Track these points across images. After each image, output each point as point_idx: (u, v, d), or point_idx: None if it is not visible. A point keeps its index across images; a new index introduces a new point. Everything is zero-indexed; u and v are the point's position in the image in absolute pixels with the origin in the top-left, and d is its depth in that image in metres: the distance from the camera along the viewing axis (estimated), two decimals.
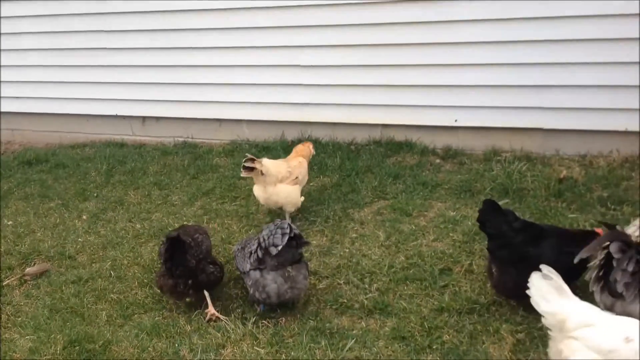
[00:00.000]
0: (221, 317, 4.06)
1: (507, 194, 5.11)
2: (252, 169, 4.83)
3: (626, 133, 5.50)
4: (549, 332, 3.16)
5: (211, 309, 4.11)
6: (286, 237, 3.76)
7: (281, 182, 4.95)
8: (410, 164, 5.98)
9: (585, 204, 4.82)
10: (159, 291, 4.42)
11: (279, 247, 3.77)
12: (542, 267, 3.15)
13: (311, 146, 5.42)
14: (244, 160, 4.82)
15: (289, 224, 3.85)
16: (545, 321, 3.16)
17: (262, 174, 4.87)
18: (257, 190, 5.02)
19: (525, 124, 5.87)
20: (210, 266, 4.16)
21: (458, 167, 5.85)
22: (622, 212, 4.66)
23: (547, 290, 3.11)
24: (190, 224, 5.01)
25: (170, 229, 5.07)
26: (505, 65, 5.76)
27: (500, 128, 5.99)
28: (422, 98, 6.19)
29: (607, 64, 5.44)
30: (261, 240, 3.88)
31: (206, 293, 4.16)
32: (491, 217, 3.79)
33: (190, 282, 4.09)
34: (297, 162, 5.14)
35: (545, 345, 3.51)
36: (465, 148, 6.15)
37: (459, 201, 5.16)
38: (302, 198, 5.25)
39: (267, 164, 4.94)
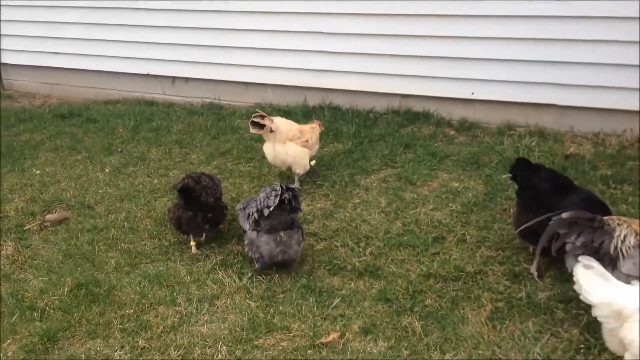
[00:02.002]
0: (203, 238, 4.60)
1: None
2: (262, 126, 4.99)
3: None
4: (603, 324, 3.13)
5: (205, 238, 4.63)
6: (278, 199, 3.92)
7: (291, 141, 5.10)
8: (425, 134, 6.06)
9: (588, 181, 4.85)
10: (166, 243, 4.68)
11: (271, 209, 3.94)
12: (581, 258, 3.23)
13: (318, 124, 5.45)
14: (253, 115, 5.00)
15: (283, 186, 3.99)
16: (598, 312, 3.09)
17: (271, 131, 5.03)
18: (266, 148, 5.20)
19: (541, 99, 5.87)
20: (225, 208, 4.68)
21: (471, 139, 5.91)
22: (622, 191, 4.68)
23: (593, 280, 3.09)
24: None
25: None
26: (524, 40, 5.75)
27: (517, 103, 6.00)
28: (440, 69, 6.23)
29: (627, 42, 5.37)
30: (258, 202, 4.06)
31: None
32: (522, 171, 4.01)
33: (210, 216, 4.49)
34: (309, 128, 5.29)
35: (521, 315, 3.64)
36: (480, 121, 6.19)
37: (464, 173, 5.24)
38: (313, 162, 5.40)
39: (278, 121, 5.11)
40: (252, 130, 5.06)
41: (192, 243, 4.58)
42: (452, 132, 6.09)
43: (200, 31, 7.43)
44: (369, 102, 6.74)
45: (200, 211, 4.49)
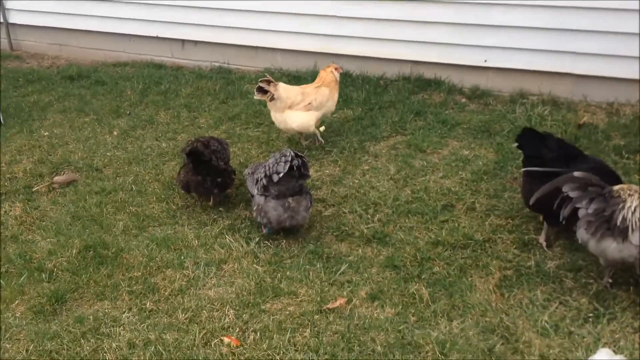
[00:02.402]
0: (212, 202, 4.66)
1: None
2: (265, 92, 4.99)
3: None
4: None
5: (213, 201, 4.66)
6: (287, 165, 3.89)
7: (290, 109, 5.07)
8: (436, 101, 6.00)
9: (600, 151, 4.79)
10: (174, 207, 4.69)
11: (281, 175, 3.91)
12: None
13: (333, 69, 5.25)
14: (259, 80, 5.00)
15: (293, 153, 3.96)
16: None
17: (271, 99, 5.03)
18: (272, 114, 5.20)
19: (555, 68, 5.79)
20: (233, 173, 4.65)
21: (482, 107, 5.84)
22: (635, 161, 4.62)
23: None
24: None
25: None
26: (538, 7, 5.65)
27: (530, 71, 5.92)
28: (452, 36, 6.14)
29: None
30: (266, 168, 4.03)
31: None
32: (529, 141, 3.95)
33: (219, 180, 4.49)
34: (313, 89, 5.18)
35: (530, 283, 3.63)
36: (493, 89, 6.11)
37: (475, 141, 5.19)
38: (322, 128, 5.36)
39: (280, 88, 5.07)
40: (256, 96, 5.08)
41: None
42: (463, 100, 6.02)
43: None
44: (380, 69, 6.65)
45: (208, 175, 4.49)
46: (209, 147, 4.54)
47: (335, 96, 5.23)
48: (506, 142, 5.03)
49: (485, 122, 5.43)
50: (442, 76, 6.34)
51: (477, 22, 5.98)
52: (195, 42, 7.76)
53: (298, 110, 5.08)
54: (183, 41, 7.86)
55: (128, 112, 6.40)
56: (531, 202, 3.58)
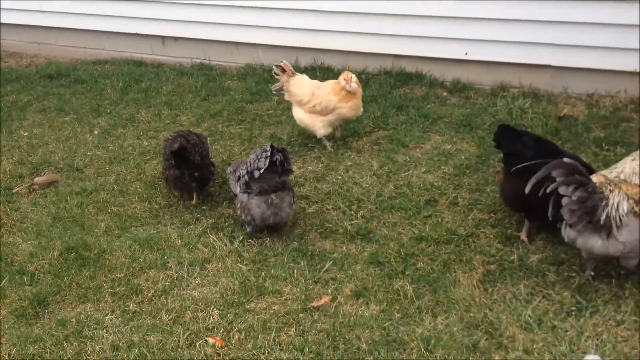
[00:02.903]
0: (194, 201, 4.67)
1: None
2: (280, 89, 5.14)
3: (635, 74, 5.41)
4: None
5: (195, 199, 4.67)
6: (268, 160, 3.87)
7: (299, 106, 5.07)
8: (417, 95, 6.00)
9: (581, 143, 4.83)
10: (157, 206, 4.66)
11: (261, 170, 3.89)
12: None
13: (342, 78, 4.87)
14: (274, 64, 5.14)
15: (274, 147, 3.94)
16: None
17: (281, 90, 5.13)
18: None
19: (535, 60, 5.81)
20: (211, 166, 4.68)
21: (464, 101, 5.85)
22: (615, 153, 4.66)
23: None
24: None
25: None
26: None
27: (511, 63, 5.93)
28: (433, 29, 6.14)
29: (625, 2, 5.29)
30: (248, 164, 4.01)
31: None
32: (506, 138, 3.98)
33: (196, 174, 4.50)
34: (325, 92, 4.97)
35: (513, 277, 3.65)
36: (474, 82, 6.13)
37: (457, 135, 5.20)
38: (328, 130, 5.20)
39: (292, 82, 5.07)
40: (274, 88, 5.23)
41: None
42: (444, 94, 6.03)
43: None
44: (362, 63, 6.64)
45: (186, 169, 4.48)
46: (189, 141, 4.53)
47: (351, 103, 4.93)
48: (488, 136, 5.03)
49: (466, 116, 5.44)
50: (423, 70, 6.34)
51: (457, 15, 5.98)
52: (176, 39, 7.70)
53: (305, 109, 5.04)
54: (163, 38, 7.79)
55: (108, 111, 6.34)
56: (527, 190, 3.50)
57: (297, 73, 5.14)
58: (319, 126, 5.05)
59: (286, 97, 5.19)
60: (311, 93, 5.01)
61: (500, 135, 4.04)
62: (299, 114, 5.11)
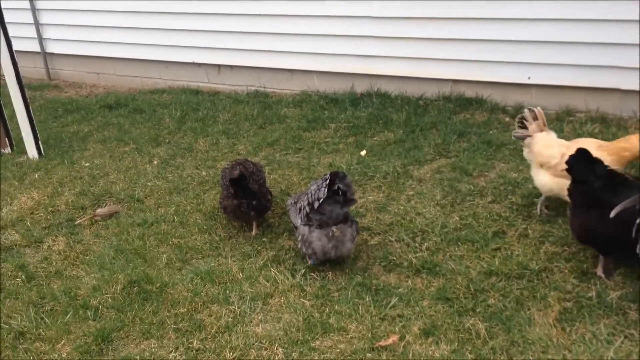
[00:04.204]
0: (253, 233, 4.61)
1: None
2: (523, 137, 4.33)
3: None
4: None
5: (255, 231, 4.62)
6: (327, 189, 3.76)
7: (540, 167, 4.22)
8: (478, 121, 5.86)
9: None
10: (217, 238, 4.61)
11: (321, 200, 3.79)
12: None
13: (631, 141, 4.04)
14: (521, 112, 4.39)
15: (334, 175, 3.81)
16: None
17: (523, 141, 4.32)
18: None
19: (601, 83, 5.62)
20: (269, 194, 4.63)
21: None
22: None
23: None
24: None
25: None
26: (582, 21, 5.51)
27: (576, 87, 5.76)
28: (494, 53, 6.02)
29: None
30: (309, 195, 3.93)
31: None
32: (579, 162, 3.75)
33: (254, 203, 4.47)
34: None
35: (592, 316, 3.45)
36: (537, 107, 5.93)
37: (523, 163, 5.00)
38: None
39: (541, 137, 4.21)
40: (516, 135, 4.40)
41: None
42: (507, 119, 5.87)
43: (245, 18, 7.32)
44: (419, 88, 6.55)
45: (245, 198, 4.46)
46: (247, 169, 4.50)
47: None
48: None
49: None
50: (483, 94, 6.21)
51: (519, 39, 5.84)
52: (231, 67, 7.75)
53: (551, 172, 4.15)
54: (219, 66, 7.86)
55: (167, 141, 6.39)
56: (611, 215, 3.35)
57: (547, 128, 4.29)
58: (552, 188, 4.19)
59: (525, 154, 4.37)
60: (560, 154, 4.08)
61: (575, 159, 3.80)
62: (542, 178, 4.20)
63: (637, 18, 5.23)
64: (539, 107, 4.28)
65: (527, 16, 5.74)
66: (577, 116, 5.62)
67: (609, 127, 5.35)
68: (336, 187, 3.79)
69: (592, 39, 5.51)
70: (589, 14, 5.43)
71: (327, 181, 3.80)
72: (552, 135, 4.28)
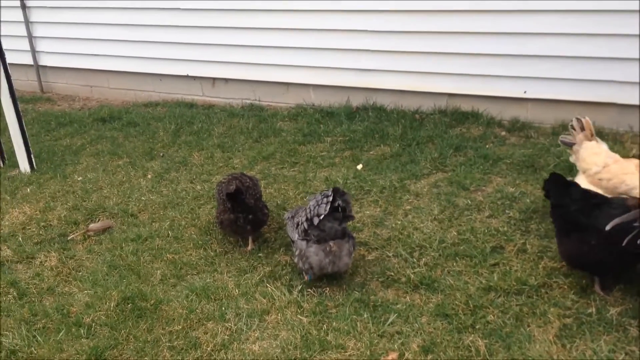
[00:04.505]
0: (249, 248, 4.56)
1: (571, 172, 4.89)
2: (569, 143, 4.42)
3: None
4: None
5: (251, 245, 4.57)
6: (329, 206, 3.73)
7: (582, 173, 4.30)
8: (474, 135, 5.84)
9: None
10: (212, 254, 4.56)
11: (321, 217, 3.76)
12: None
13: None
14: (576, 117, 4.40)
15: (336, 193, 3.80)
16: None
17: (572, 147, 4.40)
18: None
19: (598, 97, 5.61)
20: (265, 208, 4.60)
21: (524, 140, 5.66)
22: None
23: None
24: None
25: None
26: (578, 36, 5.50)
27: (572, 101, 5.74)
28: (490, 68, 6.01)
29: None
30: (307, 211, 3.89)
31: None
32: (555, 187, 3.82)
33: (250, 217, 4.42)
34: (618, 169, 4.13)
35: (592, 332, 3.41)
36: (533, 121, 5.95)
37: (520, 177, 5.01)
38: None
39: (589, 145, 4.27)
40: (562, 139, 4.50)
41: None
42: (503, 133, 5.85)
43: (240, 31, 7.29)
44: (415, 102, 6.53)
45: (241, 213, 4.41)
46: (243, 183, 4.46)
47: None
48: None
49: (529, 157, 5.25)
50: (479, 108, 6.19)
51: (515, 53, 5.84)
52: (226, 80, 7.72)
53: (589, 179, 4.23)
54: (214, 79, 7.82)
55: (161, 154, 6.33)
56: (607, 227, 3.36)
57: (597, 138, 4.36)
58: None
59: (571, 159, 4.49)
60: (604, 164, 4.16)
61: (550, 184, 3.87)
62: (581, 183, 4.13)
63: (634, 32, 5.23)
64: (587, 117, 4.34)
65: (522, 30, 5.74)
66: None
67: (605, 141, 5.28)
68: (337, 204, 3.76)
69: (588, 53, 5.51)
70: (585, 28, 5.43)
71: (329, 198, 3.76)
72: (603, 145, 4.34)
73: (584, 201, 3.67)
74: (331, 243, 3.92)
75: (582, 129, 4.33)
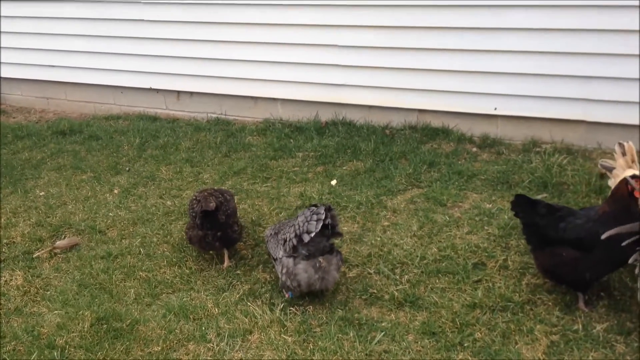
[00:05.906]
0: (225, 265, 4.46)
1: (546, 188, 4.97)
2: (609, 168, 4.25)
3: None
4: None
5: (227, 263, 4.47)
6: (320, 224, 3.67)
7: None
8: (446, 151, 5.85)
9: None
10: (187, 271, 4.43)
11: (312, 234, 3.69)
12: None
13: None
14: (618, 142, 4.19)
15: (325, 209, 3.74)
16: None
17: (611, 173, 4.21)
18: None
19: (567, 115, 5.69)
20: (235, 225, 4.44)
21: (495, 157, 5.70)
22: None
23: None
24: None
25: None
26: (548, 54, 5.56)
27: (541, 118, 5.81)
28: (460, 84, 6.03)
29: None
30: (296, 227, 3.80)
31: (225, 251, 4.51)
32: (522, 207, 3.89)
33: (219, 234, 4.32)
34: None
35: (580, 349, 3.42)
36: (503, 137, 6.00)
37: (495, 193, 5.03)
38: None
39: (628, 172, 3.97)
40: (602, 164, 4.34)
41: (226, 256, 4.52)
42: (474, 149, 5.89)
43: (206, 44, 7.16)
44: (385, 118, 6.52)
45: (210, 229, 4.31)
46: (217, 200, 4.35)
47: None
48: (529, 195, 4.82)
49: (502, 173, 5.28)
50: (449, 124, 6.22)
51: (485, 70, 5.88)
52: (191, 93, 7.58)
53: None
54: (178, 92, 7.67)
55: (127, 169, 6.15)
56: (603, 237, 3.37)
57: (637, 164, 4.11)
58: None
59: (610, 183, 4.28)
60: None
61: (517, 205, 3.93)
62: None
63: (605, 51, 5.33)
64: (630, 142, 4.16)
65: (492, 47, 5.80)
66: (543, 147, 5.68)
67: (575, 158, 5.42)
68: (327, 222, 3.69)
69: (557, 71, 5.59)
70: (555, 47, 5.51)
71: (320, 215, 3.70)
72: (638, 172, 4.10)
73: (550, 215, 3.74)
74: (320, 259, 3.84)
75: (624, 153, 4.17)
